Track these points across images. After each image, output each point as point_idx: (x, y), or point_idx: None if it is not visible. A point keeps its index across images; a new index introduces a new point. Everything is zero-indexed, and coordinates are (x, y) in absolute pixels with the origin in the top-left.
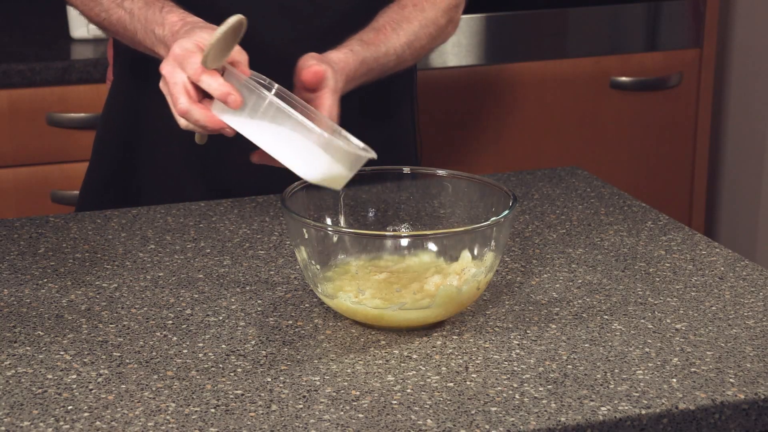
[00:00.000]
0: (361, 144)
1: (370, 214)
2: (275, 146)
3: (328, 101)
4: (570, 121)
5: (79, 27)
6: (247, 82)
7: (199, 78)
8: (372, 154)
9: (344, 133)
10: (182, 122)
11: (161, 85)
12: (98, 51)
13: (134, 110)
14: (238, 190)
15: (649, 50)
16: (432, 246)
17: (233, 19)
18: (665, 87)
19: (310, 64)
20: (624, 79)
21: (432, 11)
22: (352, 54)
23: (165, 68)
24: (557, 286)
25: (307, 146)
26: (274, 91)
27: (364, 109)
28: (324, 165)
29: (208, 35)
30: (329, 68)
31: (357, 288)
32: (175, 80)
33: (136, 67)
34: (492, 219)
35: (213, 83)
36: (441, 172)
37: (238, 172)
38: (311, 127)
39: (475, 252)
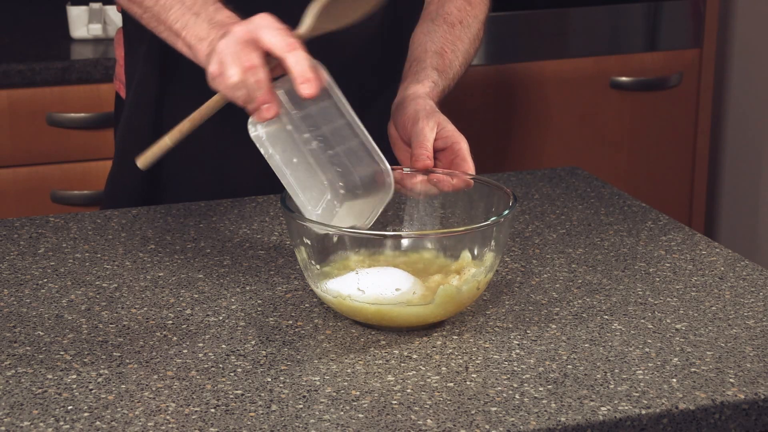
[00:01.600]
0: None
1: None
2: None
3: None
4: (570, 121)
5: (79, 27)
6: (328, 85)
7: (293, 49)
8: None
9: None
10: (233, 79)
11: (222, 45)
12: (98, 51)
13: (159, 110)
14: (258, 191)
15: (649, 50)
16: (432, 246)
17: None
18: (665, 87)
19: (421, 150)
20: (624, 79)
21: (475, 25)
22: (436, 87)
23: (240, 28)
24: (557, 286)
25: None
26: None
27: (370, 108)
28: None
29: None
30: (436, 119)
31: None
32: (252, 36)
33: (164, 64)
34: (492, 219)
35: (303, 61)
36: (441, 172)
37: (257, 173)
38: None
39: (475, 252)
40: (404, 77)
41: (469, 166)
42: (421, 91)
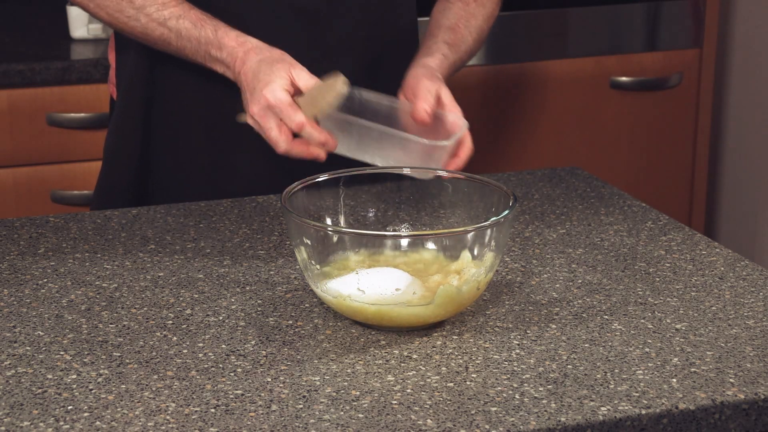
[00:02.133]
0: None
1: (370, 214)
2: (385, 159)
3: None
4: (570, 121)
5: (79, 27)
6: (345, 118)
7: (301, 131)
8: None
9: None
10: (282, 152)
11: (250, 121)
12: (98, 51)
13: (147, 113)
14: (250, 194)
15: (649, 50)
16: (432, 246)
17: (334, 82)
18: (665, 87)
19: (423, 97)
20: (624, 79)
21: (490, 6)
22: (446, 59)
23: (256, 111)
24: (557, 286)
25: (413, 153)
26: (359, 95)
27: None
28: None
29: (285, 71)
30: (440, 86)
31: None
32: (270, 125)
33: (152, 69)
34: (492, 219)
35: (314, 134)
36: (441, 172)
37: (249, 176)
38: (415, 139)
39: (475, 252)
40: (418, 52)
41: (464, 153)
42: (430, 63)
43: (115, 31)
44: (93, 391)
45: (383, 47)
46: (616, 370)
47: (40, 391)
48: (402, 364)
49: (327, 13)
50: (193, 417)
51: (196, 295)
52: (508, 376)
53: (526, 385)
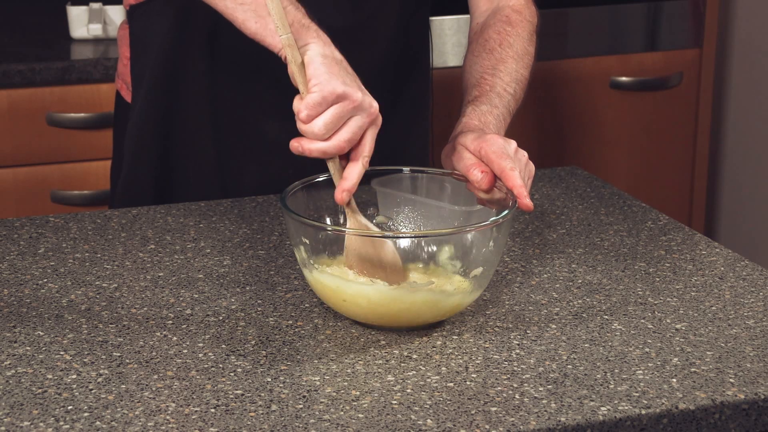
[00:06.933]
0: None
1: (369, 213)
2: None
3: (509, 167)
4: (570, 121)
5: (79, 27)
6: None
7: (361, 160)
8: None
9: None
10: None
11: (324, 84)
12: (98, 51)
13: (168, 117)
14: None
15: (649, 50)
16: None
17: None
18: (665, 87)
19: (479, 169)
20: (624, 79)
21: (518, 43)
22: (474, 111)
23: (350, 94)
24: (557, 286)
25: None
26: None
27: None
28: None
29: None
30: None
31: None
32: (359, 124)
33: (176, 72)
34: (492, 219)
35: (355, 172)
36: (441, 172)
37: (267, 183)
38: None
39: (474, 252)
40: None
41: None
42: (471, 122)
43: (130, 27)
44: (93, 391)
45: (403, 64)
46: (616, 370)
47: (40, 391)
48: (402, 364)
49: (355, 39)
50: (193, 417)
51: (196, 295)
52: (508, 376)
53: (526, 385)
